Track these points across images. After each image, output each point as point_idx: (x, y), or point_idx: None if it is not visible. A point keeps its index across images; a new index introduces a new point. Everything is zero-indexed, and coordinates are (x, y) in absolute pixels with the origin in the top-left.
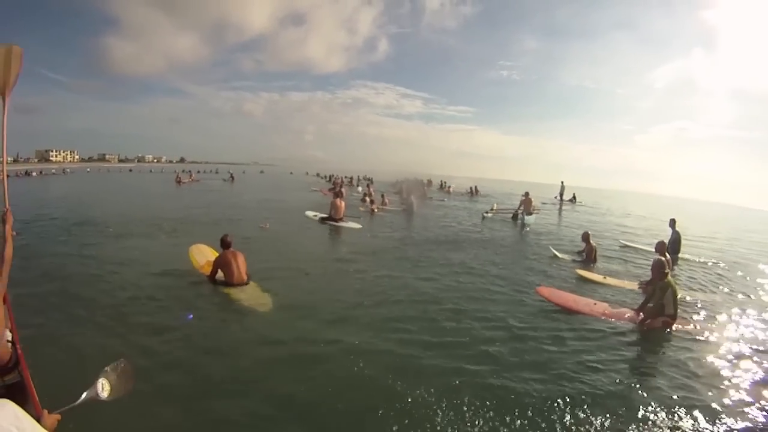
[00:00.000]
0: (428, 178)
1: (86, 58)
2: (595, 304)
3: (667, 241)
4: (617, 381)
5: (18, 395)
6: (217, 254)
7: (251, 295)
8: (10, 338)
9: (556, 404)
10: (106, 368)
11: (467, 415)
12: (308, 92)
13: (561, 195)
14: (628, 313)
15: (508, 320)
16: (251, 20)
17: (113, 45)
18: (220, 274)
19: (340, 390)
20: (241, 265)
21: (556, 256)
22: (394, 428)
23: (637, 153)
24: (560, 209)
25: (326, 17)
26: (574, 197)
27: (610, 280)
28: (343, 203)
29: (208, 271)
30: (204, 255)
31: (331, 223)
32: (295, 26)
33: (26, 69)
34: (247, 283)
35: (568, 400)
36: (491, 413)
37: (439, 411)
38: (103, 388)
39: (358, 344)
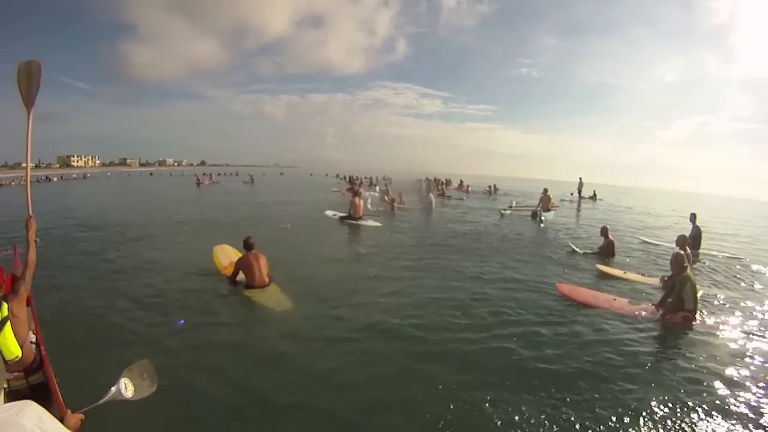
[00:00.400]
0: (447, 178)
1: (106, 65)
2: (614, 299)
3: (687, 236)
4: (634, 377)
5: (42, 395)
6: (241, 255)
7: (272, 297)
8: (34, 340)
9: (572, 399)
10: (128, 368)
11: (486, 408)
12: (328, 94)
13: (579, 192)
14: (648, 309)
15: (526, 316)
16: (270, 24)
17: (132, 51)
18: (241, 276)
19: (360, 389)
20: (262, 267)
21: (574, 251)
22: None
23: (659, 149)
24: (579, 206)
25: (344, 19)
26: (594, 194)
27: (630, 275)
28: (361, 202)
29: (229, 272)
30: (227, 256)
31: (351, 221)
32: (314, 29)
33: (49, 77)
34: (268, 285)
35: (584, 395)
36: (508, 408)
37: (455, 407)
38: (126, 387)
39: (377, 342)
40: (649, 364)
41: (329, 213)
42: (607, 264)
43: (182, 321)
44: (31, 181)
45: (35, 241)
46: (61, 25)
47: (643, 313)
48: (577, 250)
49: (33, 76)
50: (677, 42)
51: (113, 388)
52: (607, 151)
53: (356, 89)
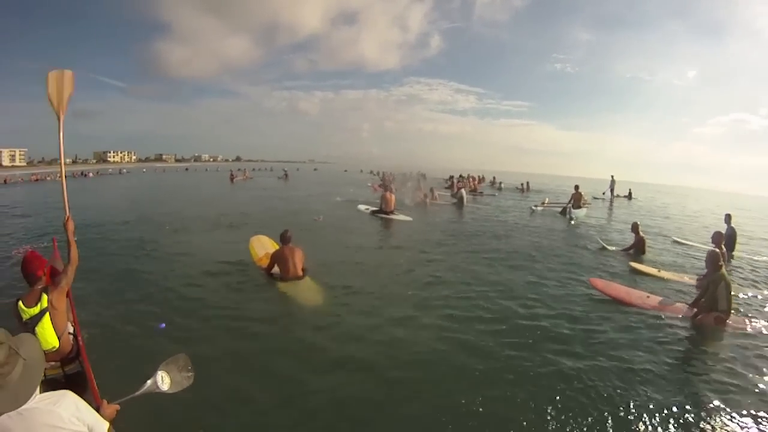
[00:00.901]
0: (479, 175)
1: (141, 64)
2: (648, 296)
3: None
4: (663, 376)
5: (78, 385)
6: (277, 246)
7: (305, 290)
8: (72, 330)
9: (601, 396)
10: (166, 361)
11: (516, 401)
12: (362, 90)
13: (611, 190)
14: (681, 308)
15: (559, 310)
16: (303, 21)
17: (166, 49)
18: (276, 268)
19: (390, 381)
20: (297, 261)
21: (604, 247)
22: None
23: (695, 147)
24: (611, 204)
25: (378, 15)
26: (630, 193)
27: (664, 273)
28: (393, 196)
29: (265, 263)
30: (264, 247)
31: (382, 215)
32: (348, 25)
33: (84, 76)
34: (302, 278)
35: (611, 393)
36: (533, 401)
37: (488, 399)
38: (163, 380)
39: (405, 335)
40: (677, 365)
41: (361, 207)
42: (637, 262)
43: (163, 325)
44: (66, 177)
45: (74, 240)
46: (96, 25)
47: (676, 312)
48: (607, 246)
49: (65, 84)
50: (714, 36)
51: (150, 381)
52: (643, 148)
53: (390, 85)
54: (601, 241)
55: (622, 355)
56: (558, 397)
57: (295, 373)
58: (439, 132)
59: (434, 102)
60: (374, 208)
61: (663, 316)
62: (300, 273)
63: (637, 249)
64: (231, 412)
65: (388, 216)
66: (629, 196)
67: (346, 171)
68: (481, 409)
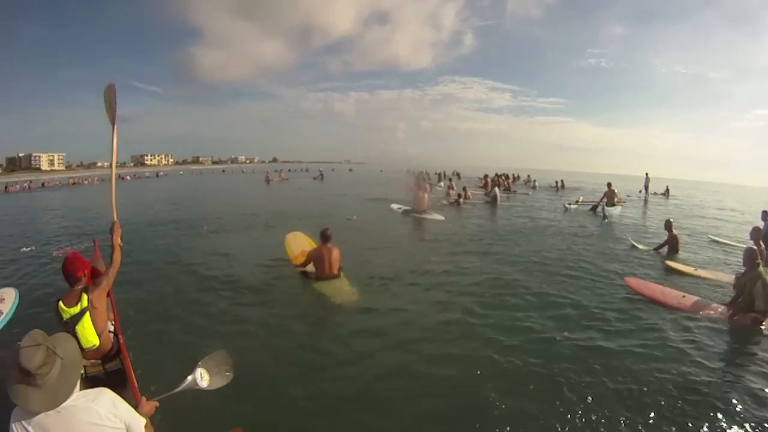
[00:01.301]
0: (513, 173)
1: (176, 69)
2: (683, 296)
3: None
4: (697, 379)
5: (118, 382)
6: (313, 243)
7: (339, 289)
8: (112, 329)
9: (634, 396)
10: (205, 358)
11: (547, 399)
12: (397, 90)
13: (646, 188)
14: (717, 308)
15: (592, 310)
16: (335, 22)
17: (200, 54)
18: (311, 266)
19: (427, 380)
20: (334, 261)
21: (635, 246)
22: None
23: (734, 141)
24: (646, 202)
25: (410, 14)
26: (667, 190)
27: (701, 272)
28: (425, 195)
29: (300, 261)
30: (299, 244)
31: (415, 215)
32: (380, 25)
33: (121, 82)
34: (337, 277)
35: (647, 395)
36: (570, 399)
37: (517, 397)
38: (202, 377)
39: (435, 334)
40: (711, 368)
41: (394, 206)
42: (671, 260)
43: None
44: (101, 180)
45: (120, 245)
46: (131, 33)
47: (712, 312)
48: (637, 245)
49: (112, 96)
50: (751, 26)
51: (189, 378)
52: (681, 143)
53: (425, 84)
54: (631, 240)
55: (656, 355)
56: (589, 398)
57: (333, 372)
58: (474, 131)
59: (469, 100)
60: (407, 208)
61: (698, 317)
62: (335, 272)
63: (671, 247)
64: (268, 410)
65: (420, 215)
66: (666, 194)
67: (381, 171)
68: (508, 406)
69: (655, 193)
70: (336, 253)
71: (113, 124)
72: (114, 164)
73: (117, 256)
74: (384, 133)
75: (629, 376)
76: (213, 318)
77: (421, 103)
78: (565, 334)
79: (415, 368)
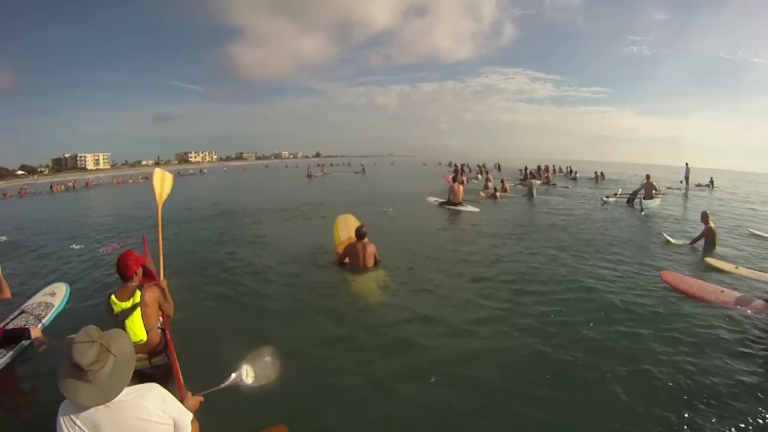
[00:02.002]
0: (553, 165)
1: (217, 68)
2: (722, 291)
3: None
4: (736, 377)
5: (164, 376)
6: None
7: (374, 282)
8: (160, 324)
9: (669, 394)
10: (251, 354)
11: (583, 394)
12: (438, 82)
13: (686, 179)
14: (760, 305)
15: (628, 306)
16: (374, 16)
17: (241, 53)
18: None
19: (463, 373)
20: (368, 257)
21: (668, 241)
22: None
23: None
24: (686, 194)
25: (449, 5)
26: (711, 182)
27: (742, 270)
28: (461, 188)
29: (341, 250)
30: (348, 229)
31: (450, 207)
32: (419, 17)
33: (163, 83)
34: (371, 270)
35: (682, 390)
36: (607, 397)
37: (551, 395)
38: (248, 373)
39: (470, 327)
40: (752, 367)
41: (431, 199)
42: (709, 256)
43: None
44: (145, 178)
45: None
46: (172, 34)
47: (753, 309)
48: (671, 240)
49: (166, 181)
50: None
51: (234, 374)
52: (727, 132)
53: (466, 76)
54: (665, 235)
55: (693, 353)
56: (625, 396)
57: (374, 367)
58: (517, 122)
59: (511, 92)
60: (442, 200)
61: (738, 313)
62: (369, 266)
63: (707, 241)
64: (313, 407)
65: (456, 207)
66: (711, 185)
67: (424, 164)
68: (543, 400)
69: (699, 185)
70: (371, 249)
71: (159, 204)
72: (161, 235)
73: (170, 307)
74: (427, 125)
75: (668, 370)
76: (255, 312)
77: (463, 94)
78: (601, 327)
79: (461, 362)
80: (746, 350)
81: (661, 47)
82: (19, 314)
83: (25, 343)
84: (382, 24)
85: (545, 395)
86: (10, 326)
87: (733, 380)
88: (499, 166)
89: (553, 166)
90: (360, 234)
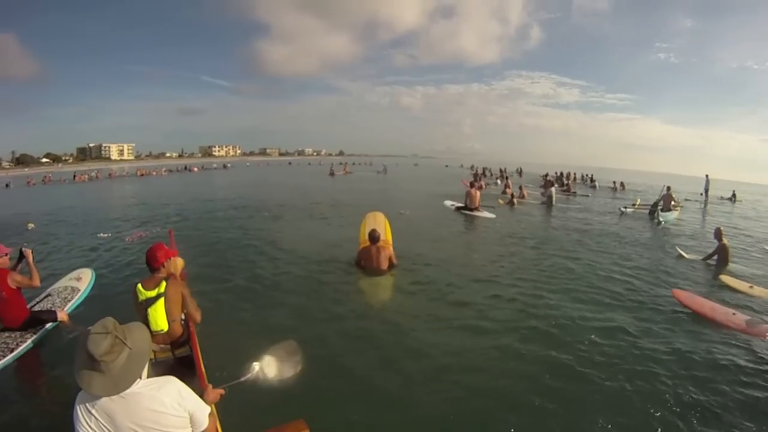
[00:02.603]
0: (573, 172)
1: (244, 64)
2: (734, 314)
3: None
4: (744, 406)
5: (186, 368)
6: (388, 225)
7: (384, 284)
8: (184, 317)
9: (672, 415)
10: (273, 348)
11: (590, 413)
12: (463, 84)
13: (706, 191)
14: None
15: (638, 324)
16: (401, 16)
17: (268, 50)
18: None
19: (458, 380)
20: (382, 260)
21: (681, 256)
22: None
23: None
24: (705, 206)
25: (476, 7)
26: (733, 195)
27: (757, 290)
28: (478, 193)
29: (360, 250)
30: (376, 226)
31: (466, 212)
32: (445, 19)
33: (190, 77)
34: (384, 273)
35: (685, 412)
36: (614, 417)
37: (560, 410)
38: (269, 367)
39: (479, 335)
40: (757, 395)
41: (447, 203)
42: (721, 272)
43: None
44: (170, 171)
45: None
46: (200, 29)
47: (762, 336)
48: (684, 254)
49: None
50: None
51: (256, 367)
52: (753, 144)
53: (492, 79)
54: (678, 249)
55: (699, 376)
56: (628, 414)
57: (389, 366)
58: (542, 127)
59: (536, 96)
60: (459, 204)
61: (748, 337)
62: (383, 269)
63: (720, 258)
64: (330, 401)
65: (471, 213)
66: (733, 198)
67: (447, 166)
68: (539, 412)
69: (722, 198)
70: (384, 253)
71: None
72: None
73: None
74: (451, 127)
75: (668, 391)
76: (275, 306)
77: (488, 97)
78: (609, 343)
79: (470, 369)
80: (754, 378)
81: (689, 55)
82: (45, 297)
83: (49, 326)
84: (409, 24)
85: (546, 407)
86: (37, 308)
87: (739, 406)
88: (520, 171)
89: (574, 173)
90: (373, 238)
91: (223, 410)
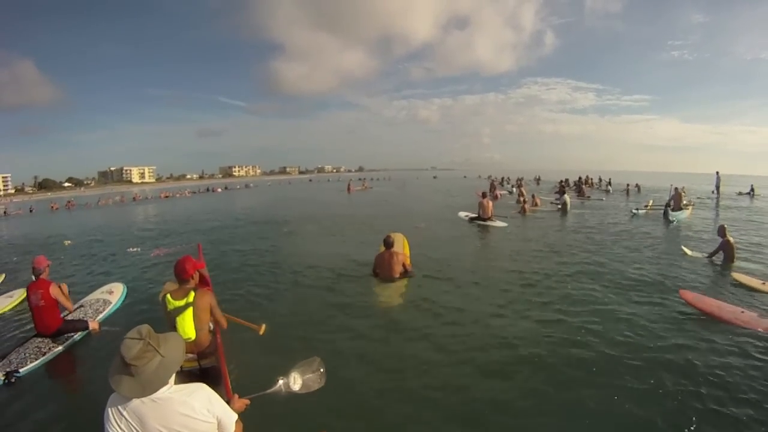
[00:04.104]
0: (589, 176)
1: (259, 84)
2: (742, 312)
3: None
4: (749, 403)
5: (212, 378)
6: (407, 243)
7: (397, 291)
8: (211, 327)
9: (678, 413)
10: (301, 363)
11: (591, 412)
12: (480, 94)
13: (717, 188)
14: None
15: (644, 322)
16: (414, 29)
17: (283, 68)
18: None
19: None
20: (395, 265)
21: (686, 254)
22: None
23: None
24: (717, 203)
25: (488, 17)
26: (752, 190)
27: None
28: (490, 203)
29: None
30: (396, 245)
31: (479, 222)
32: (459, 30)
33: (208, 99)
34: (396, 280)
35: (692, 414)
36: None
37: (564, 412)
38: (295, 381)
39: (481, 339)
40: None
41: (462, 214)
42: (726, 269)
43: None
44: (193, 192)
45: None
46: (215, 51)
47: None
48: (688, 252)
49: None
50: None
51: (281, 380)
52: None
53: (508, 88)
54: (683, 248)
55: (707, 376)
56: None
57: (413, 376)
58: (560, 133)
59: (553, 102)
60: (473, 215)
61: (757, 334)
62: (394, 276)
63: (725, 255)
64: (353, 415)
65: (485, 222)
66: (751, 193)
67: (465, 177)
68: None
69: (739, 193)
70: (397, 258)
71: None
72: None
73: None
74: (469, 138)
75: (674, 391)
76: (299, 320)
77: (505, 106)
78: (617, 347)
79: (485, 378)
80: (759, 375)
81: (702, 51)
82: (78, 308)
83: (76, 337)
84: (423, 37)
85: (554, 409)
86: (70, 317)
87: (748, 404)
88: (538, 179)
89: (590, 178)
90: (387, 243)
91: (246, 420)
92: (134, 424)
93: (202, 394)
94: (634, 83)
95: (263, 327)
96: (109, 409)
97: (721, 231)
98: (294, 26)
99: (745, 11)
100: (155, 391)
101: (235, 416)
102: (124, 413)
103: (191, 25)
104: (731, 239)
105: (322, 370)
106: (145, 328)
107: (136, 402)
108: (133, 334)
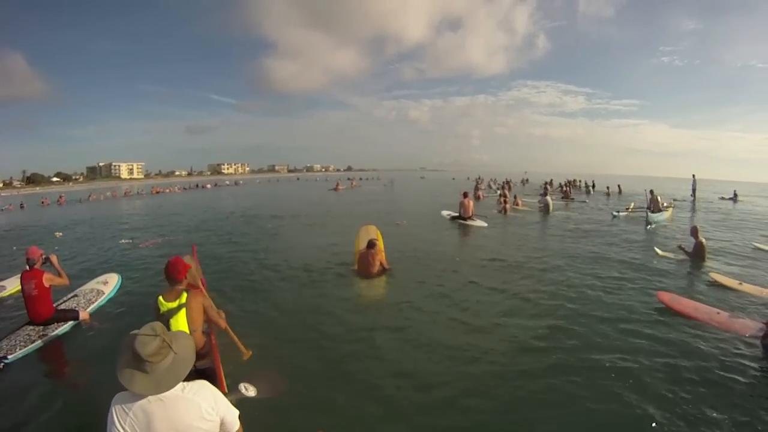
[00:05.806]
0: (574, 179)
1: (250, 81)
2: (717, 312)
3: None
4: (722, 401)
5: (208, 380)
6: (380, 235)
7: (376, 287)
8: (205, 329)
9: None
10: (251, 370)
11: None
12: (470, 96)
13: (693, 191)
14: (752, 325)
15: (621, 325)
16: (408, 30)
17: (274, 66)
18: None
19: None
20: (374, 264)
21: (657, 254)
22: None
23: None
24: (693, 207)
25: (482, 19)
26: (735, 195)
27: (746, 287)
28: (471, 203)
29: (357, 257)
30: (369, 236)
31: (460, 221)
32: (452, 31)
33: (202, 96)
34: (374, 277)
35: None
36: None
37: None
38: (247, 389)
39: (453, 336)
40: (740, 392)
41: (444, 213)
42: (696, 268)
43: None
44: (184, 188)
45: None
46: (206, 48)
47: (745, 330)
48: (659, 252)
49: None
50: None
51: (242, 387)
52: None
53: (498, 90)
54: (655, 249)
55: (683, 377)
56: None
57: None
58: (549, 136)
59: (543, 105)
60: (455, 214)
61: (731, 335)
62: (373, 273)
63: (697, 255)
64: (346, 414)
65: (465, 222)
66: (734, 198)
67: (453, 179)
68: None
69: (723, 198)
70: (378, 258)
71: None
72: None
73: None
74: (459, 140)
75: (649, 392)
76: (275, 313)
77: (495, 108)
78: (595, 350)
79: (455, 379)
80: (735, 375)
81: (692, 57)
82: (71, 297)
83: (66, 326)
84: (416, 38)
85: (533, 416)
86: (62, 306)
87: (722, 404)
88: (525, 180)
89: (574, 180)
90: (369, 243)
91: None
92: (139, 423)
93: (207, 393)
94: (624, 88)
95: (249, 353)
96: (113, 408)
97: (694, 232)
98: (287, 24)
99: (736, 18)
100: (170, 388)
101: (238, 412)
102: (130, 412)
103: (184, 22)
104: (703, 240)
105: (274, 375)
106: (158, 325)
107: (143, 401)
108: (147, 331)
